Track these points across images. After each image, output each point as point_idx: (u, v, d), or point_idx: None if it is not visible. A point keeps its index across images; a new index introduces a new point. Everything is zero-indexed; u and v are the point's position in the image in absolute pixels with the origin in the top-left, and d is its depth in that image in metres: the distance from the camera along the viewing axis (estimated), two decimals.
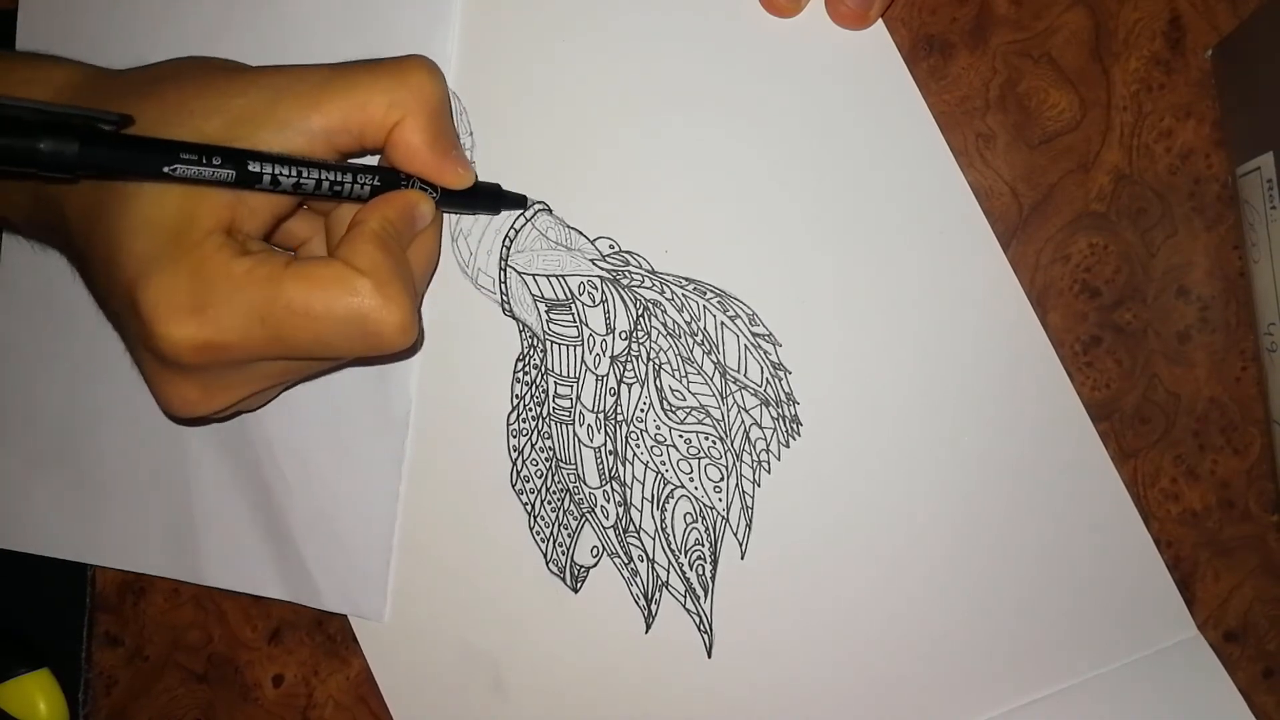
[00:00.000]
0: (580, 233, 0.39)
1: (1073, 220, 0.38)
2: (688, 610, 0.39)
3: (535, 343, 0.39)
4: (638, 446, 0.39)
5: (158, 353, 0.32)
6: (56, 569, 0.43)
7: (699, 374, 0.39)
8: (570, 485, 0.40)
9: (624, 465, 0.39)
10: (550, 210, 0.39)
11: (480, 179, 0.39)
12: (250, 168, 0.31)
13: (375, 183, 0.34)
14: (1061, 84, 0.38)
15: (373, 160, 0.36)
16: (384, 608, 0.41)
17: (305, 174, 0.32)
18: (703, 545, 0.39)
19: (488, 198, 0.38)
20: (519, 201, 0.39)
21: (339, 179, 0.33)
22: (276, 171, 0.31)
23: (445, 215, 0.39)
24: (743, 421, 0.39)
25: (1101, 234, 0.38)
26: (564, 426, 0.40)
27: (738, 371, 0.39)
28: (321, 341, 0.32)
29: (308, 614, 0.43)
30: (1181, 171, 0.38)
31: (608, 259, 0.39)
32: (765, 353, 0.38)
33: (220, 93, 0.32)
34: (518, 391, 0.40)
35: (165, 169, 0.29)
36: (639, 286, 0.39)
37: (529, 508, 0.40)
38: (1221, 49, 0.38)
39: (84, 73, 0.34)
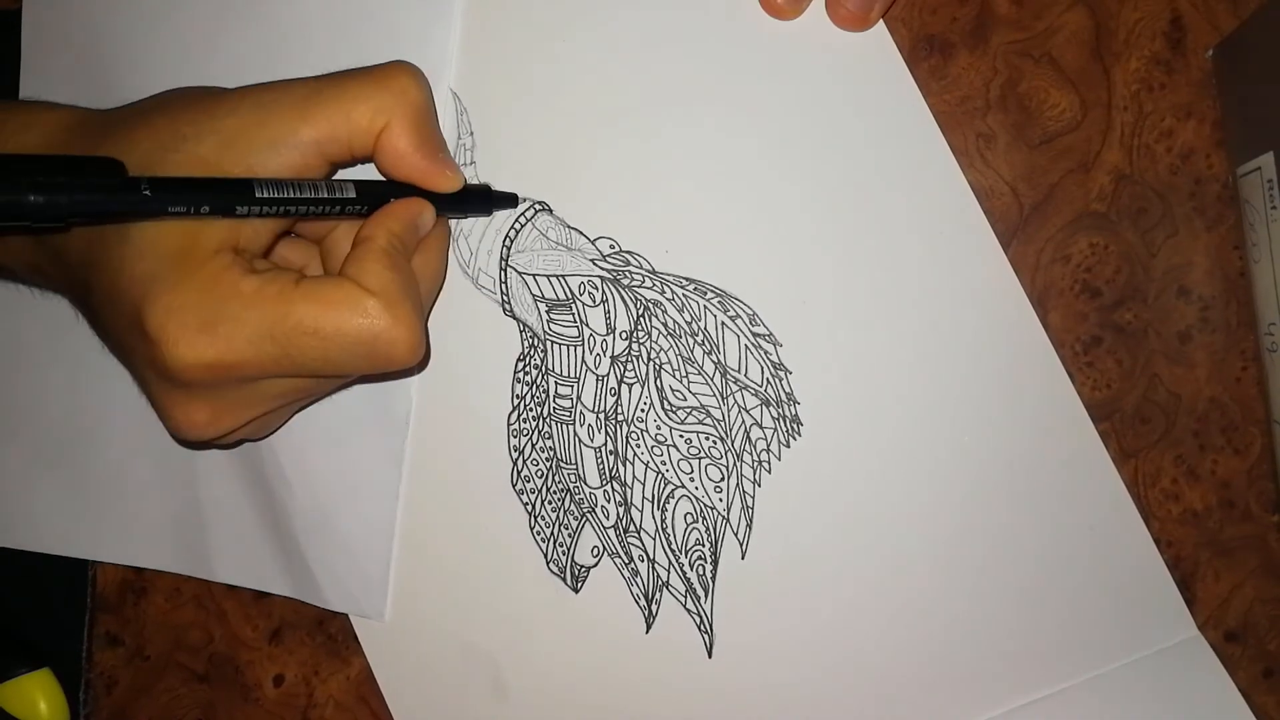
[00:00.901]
0: (580, 233, 0.39)
1: (1073, 220, 0.38)
2: (688, 610, 0.39)
3: (536, 343, 0.39)
4: (638, 446, 0.39)
5: (166, 373, 0.32)
6: (57, 569, 0.44)
7: (699, 374, 0.39)
8: (571, 485, 0.40)
9: (624, 465, 0.39)
10: (550, 210, 0.39)
11: (482, 179, 0.39)
12: (257, 194, 0.31)
13: (356, 192, 0.34)
14: (1062, 84, 0.38)
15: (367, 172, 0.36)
16: (385, 607, 0.41)
17: (301, 192, 0.32)
18: (703, 545, 0.39)
19: (478, 199, 0.38)
20: (510, 200, 0.39)
21: (334, 194, 0.33)
22: (274, 194, 0.32)
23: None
24: (743, 421, 0.39)
25: (1102, 234, 0.38)
26: (564, 426, 0.40)
27: (738, 371, 0.39)
28: (331, 360, 0.32)
29: (308, 614, 0.43)
30: (1182, 171, 0.38)
31: (608, 259, 0.39)
32: (766, 353, 0.38)
33: (210, 114, 0.32)
34: (518, 391, 0.40)
35: (171, 209, 0.30)
36: (639, 286, 0.39)
37: (529, 508, 0.40)
38: (1222, 49, 0.38)
39: (76, 115, 0.35)
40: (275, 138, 0.32)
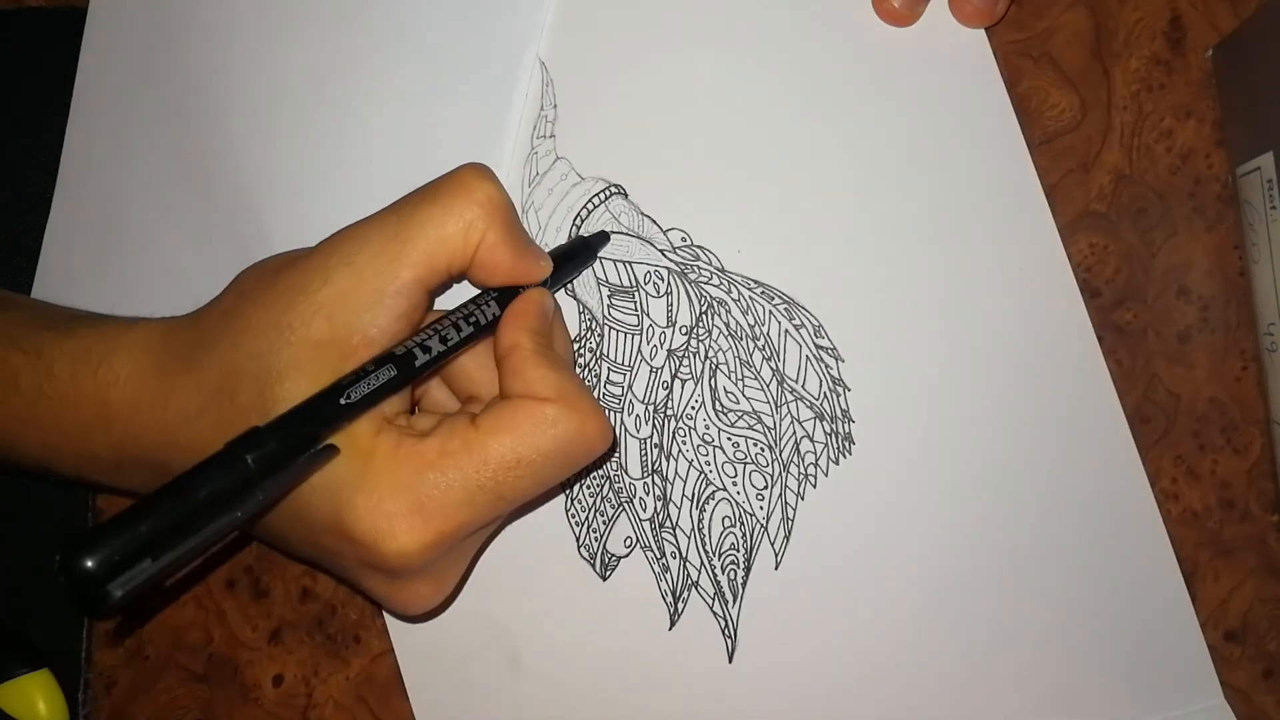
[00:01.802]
0: (653, 221, 0.39)
1: (1073, 220, 0.38)
2: (714, 613, 0.39)
3: (594, 326, 0.39)
4: (684, 443, 0.39)
5: (387, 568, 0.31)
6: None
7: (755, 379, 0.38)
8: (611, 473, 0.39)
9: (668, 460, 0.39)
10: (625, 194, 0.39)
11: (560, 154, 0.39)
12: (417, 363, 0.31)
13: (492, 308, 0.34)
14: (1062, 84, 0.38)
15: None
16: None
17: (449, 336, 0.32)
18: (737, 550, 0.39)
19: (577, 260, 0.38)
20: (602, 239, 0.39)
21: (474, 327, 0.33)
22: (434, 353, 0.31)
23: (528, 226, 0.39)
24: (794, 433, 0.38)
25: (1102, 234, 0.38)
26: (612, 414, 0.39)
27: (795, 382, 0.38)
28: (540, 481, 0.31)
29: (308, 614, 0.43)
30: (1182, 171, 0.38)
31: (678, 251, 0.39)
32: (826, 366, 0.38)
33: (304, 291, 0.31)
34: None
35: (344, 403, 0.29)
36: (706, 283, 0.39)
37: (567, 489, 0.40)
38: (1222, 49, 0.38)
39: (158, 330, 0.33)
40: (379, 291, 0.31)
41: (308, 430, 0.29)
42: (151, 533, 0.25)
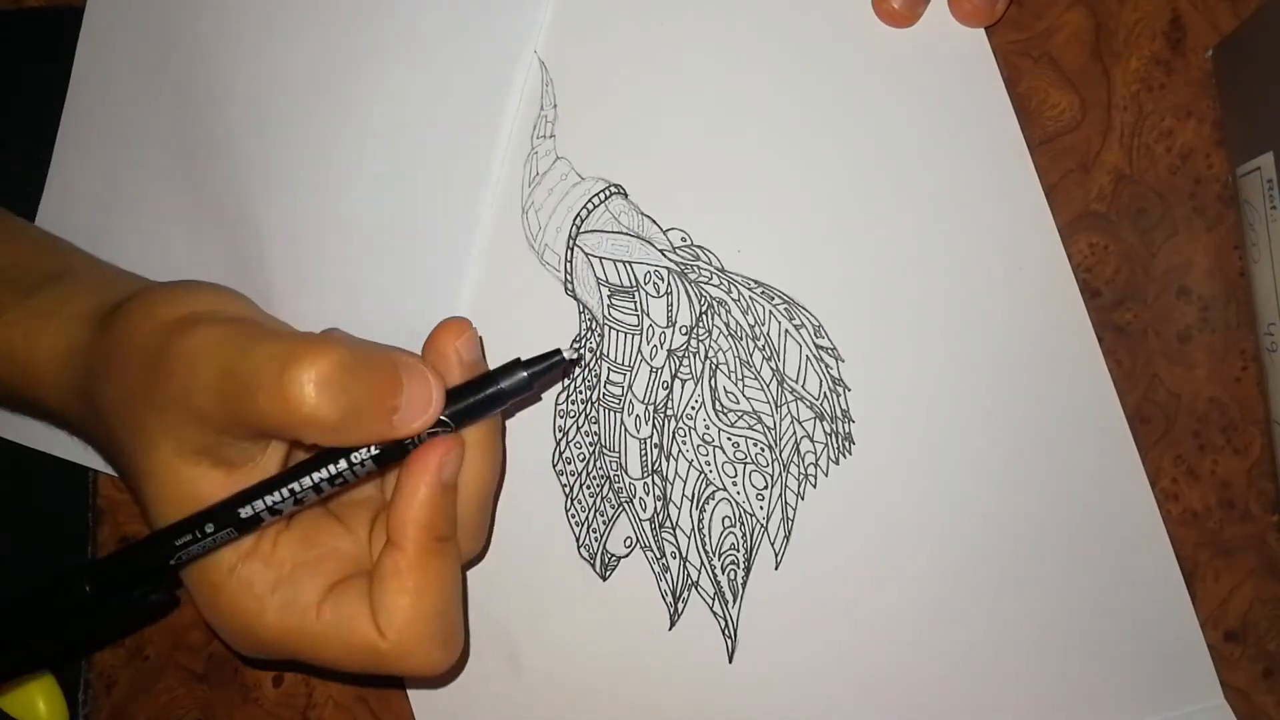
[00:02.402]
0: (653, 220, 0.39)
1: (1073, 220, 0.38)
2: (714, 613, 0.39)
3: (594, 326, 0.39)
4: (684, 443, 0.39)
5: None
6: (56, 568, 0.43)
7: (755, 379, 0.38)
8: (611, 473, 0.39)
9: (668, 460, 0.39)
10: (626, 194, 0.39)
11: (561, 154, 0.39)
12: (243, 514, 0.30)
13: (367, 458, 0.30)
14: (1062, 84, 0.38)
15: None
16: None
17: (299, 491, 0.30)
18: (737, 550, 0.39)
19: (485, 402, 0.31)
20: (550, 359, 0.32)
21: (334, 474, 0.30)
22: (271, 505, 0.30)
23: (511, 242, 0.39)
24: (794, 433, 0.38)
25: (1102, 234, 0.38)
26: (612, 414, 0.39)
27: (796, 382, 0.38)
28: (334, 663, 0.32)
29: None
30: (1182, 171, 0.38)
31: (678, 251, 0.39)
32: (826, 366, 0.38)
33: (147, 402, 0.30)
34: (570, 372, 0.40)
35: (171, 561, 0.30)
36: (706, 283, 0.39)
37: (567, 489, 0.40)
38: (1222, 49, 0.38)
39: (84, 340, 0.33)
40: (216, 431, 0.30)
41: (123, 585, 0.31)
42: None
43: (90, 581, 0.30)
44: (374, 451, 0.30)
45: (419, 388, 0.30)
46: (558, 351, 0.31)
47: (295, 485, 0.30)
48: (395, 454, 0.30)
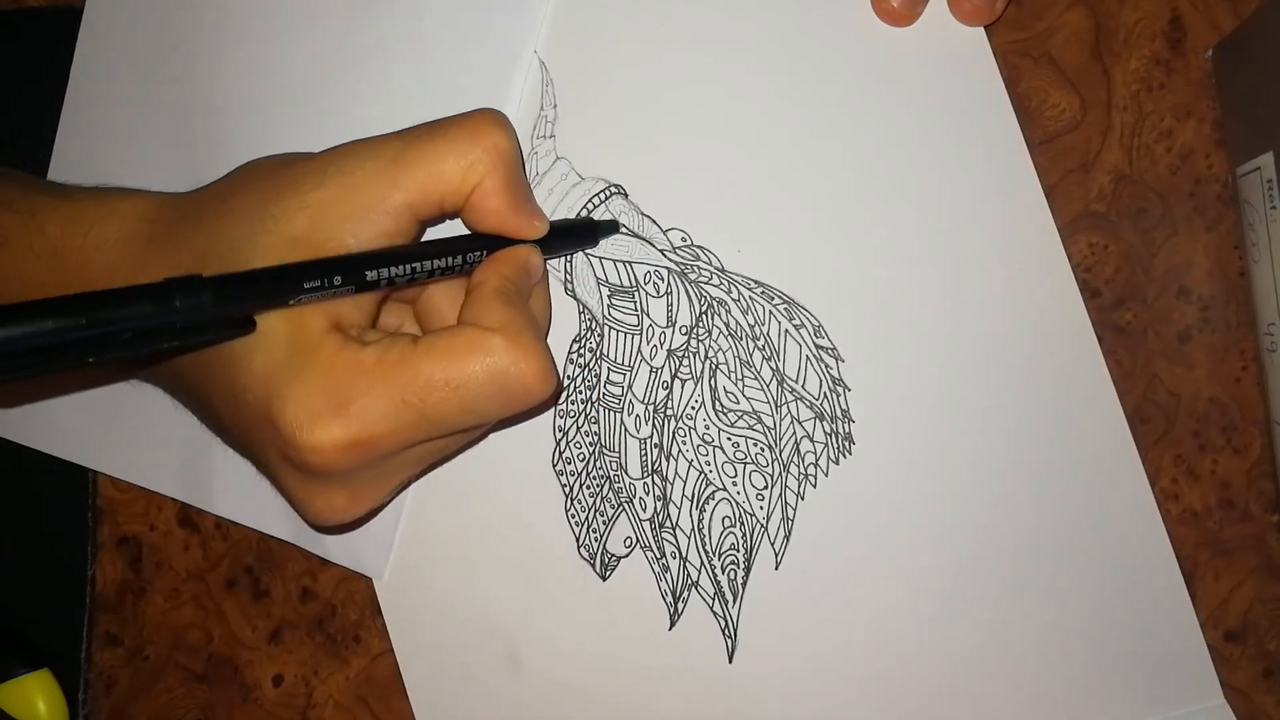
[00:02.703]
0: (653, 221, 0.39)
1: (1073, 220, 0.38)
2: (714, 613, 0.39)
3: (593, 326, 0.39)
4: (684, 443, 0.39)
5: (304, 464, 0.31)
6: (57, 569, 0.43)
7: (755, 379, 0.38)
8: (611, 473, 0.39)
9: (668, 460, 0.39)
10: (626, 194, 0.39)
11: (560, 154, 0.39)
12: (369, 277, 0.31)
13: (478, 255, 0.34)
14: (1062, 84, 0.38)
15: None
16: (385, 567, 0.41)
17: (416, 267, 0.32)
18: (737, 550, 0.39)
19: (582, 235, 0.38)
20: (612, 227, 0.39)
21: (446, 262, 0.33)
22: (392, 274, 0.31)
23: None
24: (794, 433, 0.38)
25: (1102, 234, 0.38)
26: (612, 414, 0.39)
27: (795, 382, 0.38)
28: (467, 409, 0.31)
29: (308, 614, 0.43)
30: (1182, 171, 0.38)
31: (678, 251, 0.39)
32: (826, 366, 0.38)
33: (296, 190, 0.31)
34: (570, 372, 0.39)
35: (291, 301, 0.30)
36: (706, 283, 0.39)
37: (567, 489, 0.40)
38: (1221, 49, 0.38)
39: (154, 201, 0.33)
40: (367, 206, 0.31)
41: (244, 301, 0.30)
42: (53, 330, 0.26)
43: (215, 293, 0.28)
44: (475, 241, 0.34)
45: (538, 209, 0.35)
46: (616, 223, 0.39)
47: (418, 264, 0.32)
48: (496, 246, 0.34)
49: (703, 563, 0.39)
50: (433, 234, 0.36)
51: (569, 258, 0.39)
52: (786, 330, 0.38)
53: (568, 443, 0.40)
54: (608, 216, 0.39)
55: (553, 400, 0.39)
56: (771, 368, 0.38)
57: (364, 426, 0.30)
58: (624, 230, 0.39)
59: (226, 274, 0.29)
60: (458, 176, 0.32)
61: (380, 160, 0.32)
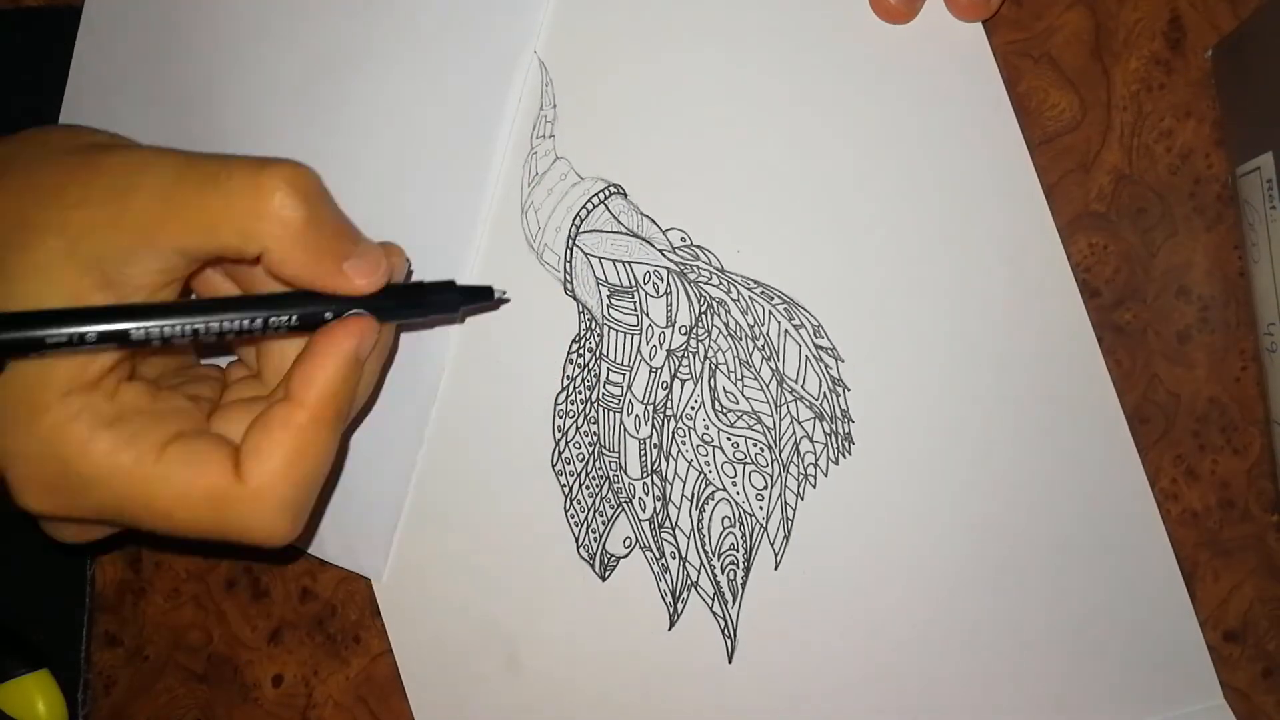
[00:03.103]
0: (652, 220, 0.39)
1: (1073, 220, 0.38)
2: (714, 613, 0.39)
3: (593, 326, 0.39)
4: (683, 443, 0.39)
5: (25, 507, 0.29)
6: (56, 569, 0.43)
7: (755, 379, 0.38)
8: (611, 473, 0.39)
9: (667, 460, 0.39)
10: (625, 194, 0.39)
11: (560, 154, 0.38)
12: (132, 332, 0.27)
13: (284, 319, 0.30)
14: (1061, 84, 0.38)
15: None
16: (384, 568, 0.41)
17: (197, 329, 0.28)
18: (737, 551, 0.39)
19: (423, 299, 0.33)
20: (481, 293, 0.35)
21: (243, 323, 0.28)
22: (168, 332, 0.27)
23: (515, 189, 0.38)
24: (794, 433, 0.38)
25: (1101, 234, 0.38)
26: (611, 414, 0.39)
27: (795, 382, 0.38)
28: (180, 534, 0.29)
29: (308, 614, 0.43)
30: (1181, 171, 0.38)
31: (678, 251, 0.39)
32: (826, 366, 0.38)
33: (58, 201, 0.27)
34: (569, 373, 0.39)
35: (32, 355, 0.26)
36: (706, 283, 0.39)
37: (566, 489, 0.40)
38: (1221, 49, 0.38)
39: None
40: (132, 243, 0.27)
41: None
42: None
43: None
44: (295, 318, 0.29)
45: (372, 250, 0.31)
46: (490, 290, 0.35)
47: (203, 323, 0.28)
48: (312, 323, 0.30)
49: (702, 563, 0.39)
50: None
51: (570, 257, 0.39)
52: (786, 330, 0.38)
53: (567, 443, 0.40)
54: (605, 217, 0.39)
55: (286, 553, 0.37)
56: (771, 368, 0.38)
57: (71, 510, 0.28)
58: (624, 230, 0.39)
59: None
60: (234, 242, 0.28)
61: (151, 192, 0.28)
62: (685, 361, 0.39)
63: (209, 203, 0.28)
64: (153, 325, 0.27)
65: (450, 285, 0.34)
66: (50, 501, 0.28)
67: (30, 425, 0.27)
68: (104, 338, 0.27)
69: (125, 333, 0.27)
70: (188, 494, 0.28)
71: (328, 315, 0.30)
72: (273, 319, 0.29)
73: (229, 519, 0.29)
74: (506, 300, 0.38)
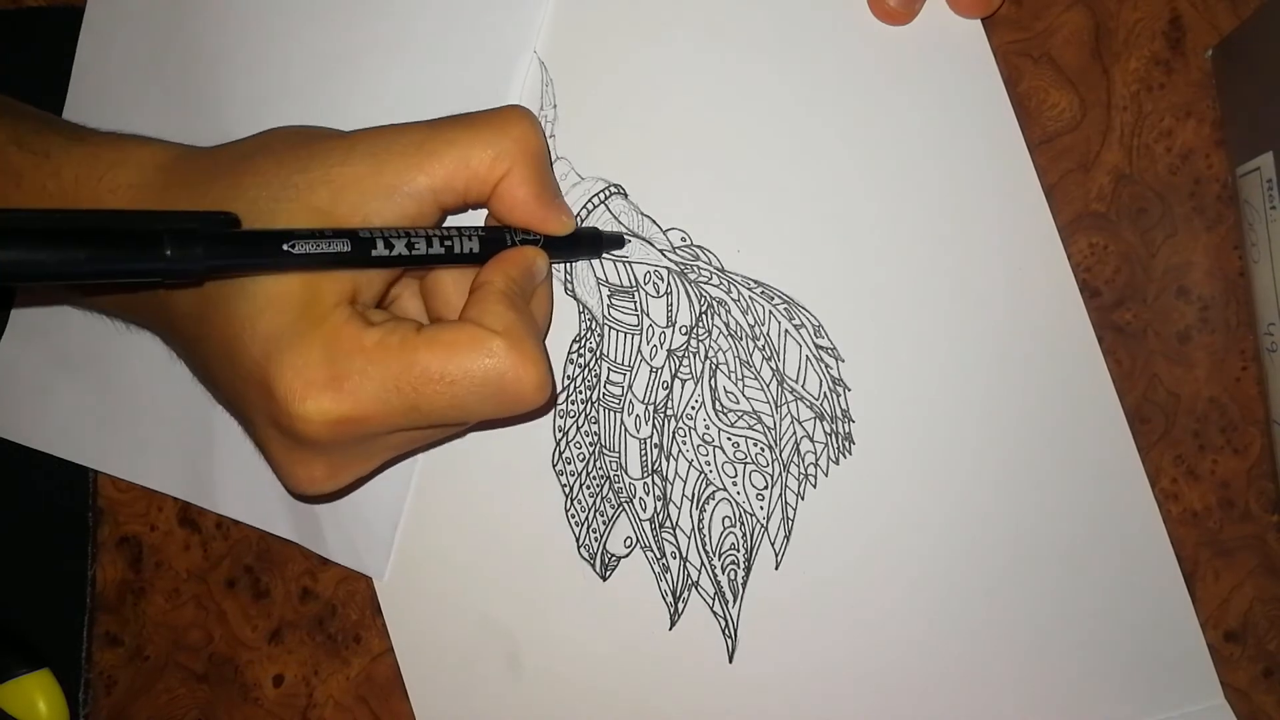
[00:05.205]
0: (653, 220, 0.39)
1: (1073, 220, 0.38)
2: (715, 613, 0.39)
3: (593, 325, 0.39)
4: (684, 443, 0.39)
5: (291, 431, 0.31)
6: (57, 569, 0.43)
7: (755, 379, 0.38)
8: (611, 473, 0.39)
9: (668, 460, 0.39)
10: (625, 194, 0.39)
11: (560, 154, 0.39)
12: (375, 251, 0.30)
13: (479, 242, 0.34)
14: (1061, 84, 0.38)
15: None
16: (385, 567, 0.41)
17: (419, 244, 0.32)
18: (738, 550, 0.39)
19: (588, 243, 0.38)
20: (617, 241, 0.38)
21: (459, 246, 0.33)
22: (395, 252, 0.31)
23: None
24: (794, 433, 0.38)
25: (1102, 234, 0.38)
26: (612, 414, 0.39)
27: (795, 382, 0.38)
28: (458, 405, 0.31)
29: (308, 614, 0.43)
30: (1181, 171, 0.38)
31: (678, 251, 0.39)
32: (826, 366, 0.38)
33: (322, 162, 0.31)
34: (569, 372, 0.39)
35: (286, 249, 0.29)
36: (706, 283, 0.39)
37: (567, 489, 0.40)
38: (1221, 49, 0.38)
39: (170, 152, 0.33)
40: (391, 186, 0.32)
41: (240, 256, 0.29)
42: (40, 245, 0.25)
43: (208, 242, 0.27)
44: (482, 233, 0.34)
45: (565, 205, 0.36)
46: (621, 237, 0.39)
47: (429, 245, 0.32)
48: (496, 247, 0.34)
49: (703, 563, 0.39)
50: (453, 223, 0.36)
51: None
52: (786, 330, 0.38)
53: (568, 443, 0.40)
54: (606, 217, 0.39)
55: (546, 409, 0.39)
56: (771, 368, 0.38)
57: (355, 405, 0.30)
58: (623, 230, 0.39)
59: (225, 231, 0.29)
60: (485, 165, 0.32)
61: (407, 144, 0.32)
62: (686, 361, 0.39)
63: (463, 136, 0.32)
64: (384, 246, 0.31)
65: (597, 232, 0.38)
66: (332, 402, 0.30)
67: (313, 330, 0.30)
68: (353, 250, 0.30)
69: (367, 249, 0.30)
70: (453, 348, 0.31)
71: (511, 241, 0.35)
72: (478, 247, 0.33)
73: (498, 367, 0.31)
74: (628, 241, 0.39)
